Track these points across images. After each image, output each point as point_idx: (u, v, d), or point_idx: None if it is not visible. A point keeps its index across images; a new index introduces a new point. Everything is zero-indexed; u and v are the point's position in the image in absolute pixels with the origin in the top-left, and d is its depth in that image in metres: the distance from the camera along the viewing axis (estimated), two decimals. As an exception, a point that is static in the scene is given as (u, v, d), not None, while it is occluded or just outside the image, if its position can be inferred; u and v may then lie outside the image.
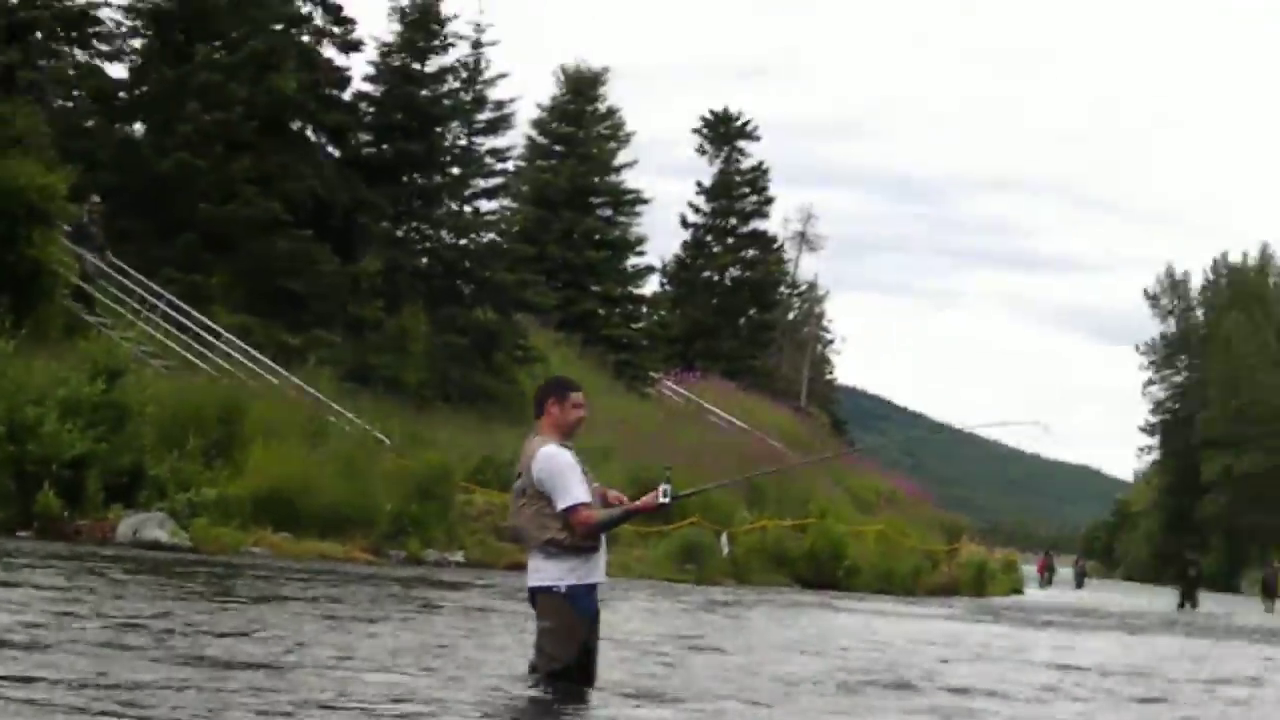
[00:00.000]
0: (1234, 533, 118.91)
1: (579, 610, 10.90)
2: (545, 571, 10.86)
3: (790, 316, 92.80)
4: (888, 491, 59.86)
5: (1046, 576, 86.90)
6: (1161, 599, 64.24)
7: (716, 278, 75.27)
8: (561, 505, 10.70)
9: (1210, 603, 64.80)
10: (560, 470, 10.76)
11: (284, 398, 32.92)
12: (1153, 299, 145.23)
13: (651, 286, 67.74)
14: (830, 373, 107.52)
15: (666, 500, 11.05)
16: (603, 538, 11.07)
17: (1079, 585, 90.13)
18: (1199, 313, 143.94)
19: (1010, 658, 20.09)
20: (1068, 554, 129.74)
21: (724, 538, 37.27)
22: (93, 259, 34.96)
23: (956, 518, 67.86)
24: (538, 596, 10.95)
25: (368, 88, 45.24)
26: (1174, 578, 63.52)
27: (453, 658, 13.24)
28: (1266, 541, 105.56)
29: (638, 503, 11.16)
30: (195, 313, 35.36)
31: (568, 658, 10.92)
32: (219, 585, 18.89)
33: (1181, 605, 56.20)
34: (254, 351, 35.16)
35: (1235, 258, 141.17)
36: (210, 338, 35.10)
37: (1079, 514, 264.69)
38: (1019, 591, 58.95)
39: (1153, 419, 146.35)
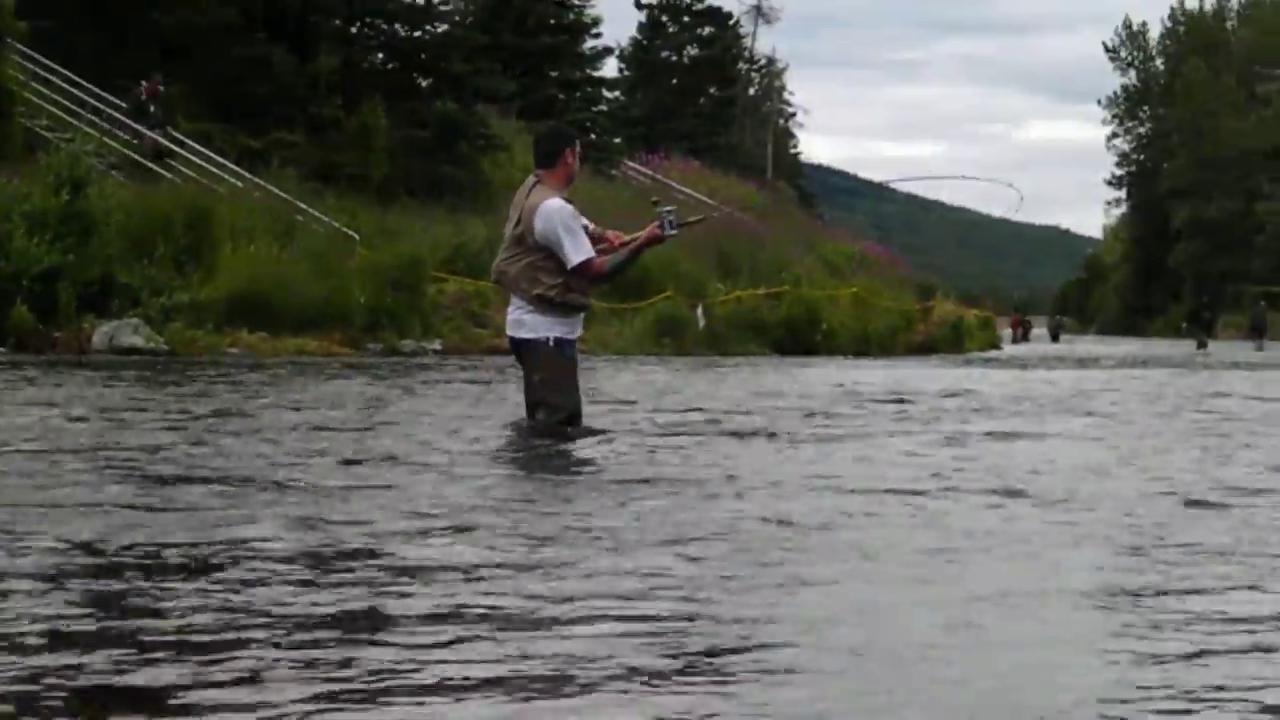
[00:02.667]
0: (1205, 279, 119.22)
1: (569, 358, 10.91)
2: (531, 325, 10.79)
3: (751, 92, 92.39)
4: (859, 255, 59.95)
5: (1021, 333, 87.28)
6: (1157, 347, 64.88)
7: (674, 58, 74.90)
8: (574, 261, 10.59)
9: (1188, 346, 65.44)
10: (569, 226, 10.62)
11: (250, 200, 32.86)
12: (1112, 52, 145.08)
13: (609, 71, 67.31)
14: (795, 147, 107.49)
15: (672, 231, 10.86)
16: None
17: (1055, 340, 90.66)
18: (1159, 63, 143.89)
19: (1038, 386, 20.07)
20: (1039, 315, 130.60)
21: (699, 309, 37.42)
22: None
23: (928, 278, 68.16)
24: (525, 349, 10.90)
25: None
26: (1190, 324, 63.63)
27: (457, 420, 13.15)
28: (1238, 285, 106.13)
29: (641, 236, 10.98)
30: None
31: (572, 404, 10.96)
32: (207, 377, 18.90)
33: (1200, 347, 56.20)
34: (216, 157, 35.04)
35: (1192, 4, 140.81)
36: (172, 146, 34.96)
37: (1050, 276, 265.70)
38: (996, 347, 59.27)
39: (1119, 172, 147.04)
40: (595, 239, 10.98)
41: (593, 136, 53.02)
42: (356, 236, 33.18)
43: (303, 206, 33.84)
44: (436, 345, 30.84)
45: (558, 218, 10.60)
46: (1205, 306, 61.16)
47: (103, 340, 25.61)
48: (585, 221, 10.99)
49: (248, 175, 34.62)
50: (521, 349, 10.95)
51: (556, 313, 10.76)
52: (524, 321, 10.84)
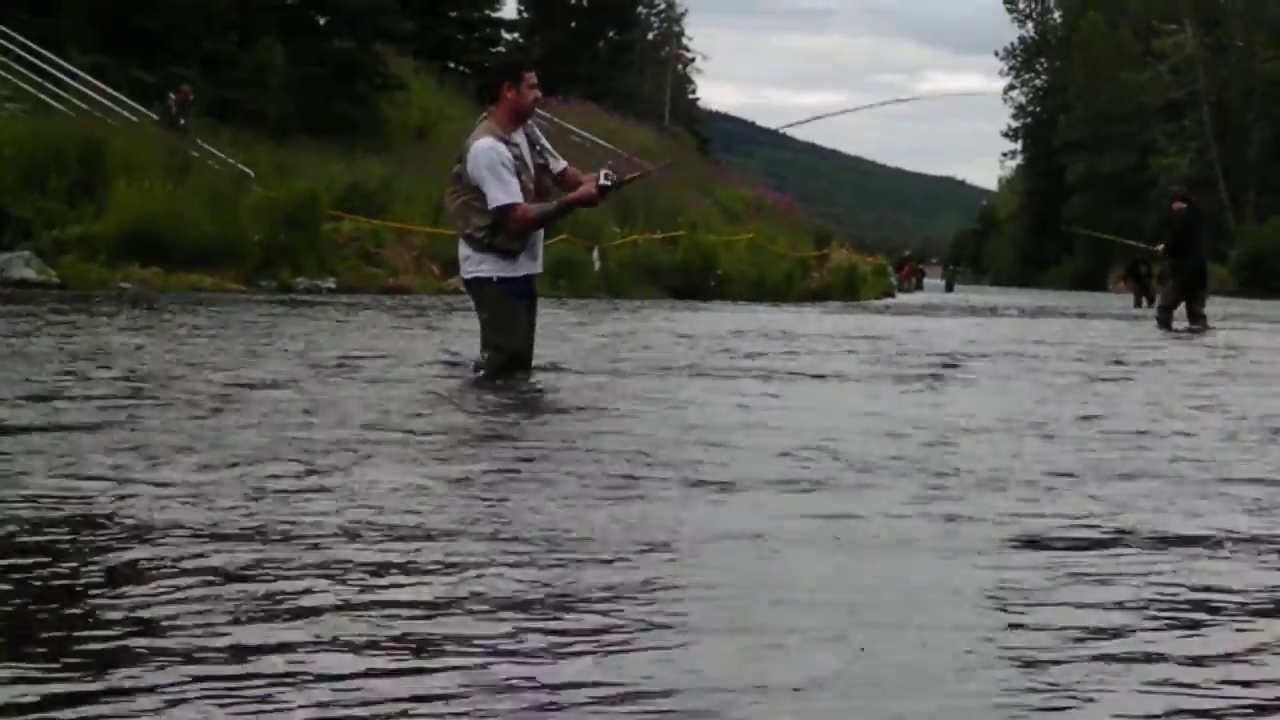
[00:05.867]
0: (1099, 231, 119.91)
1: (515, 296, 10.82)
2: (474, 263, 10.76)
3: (650, 37, 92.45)
4: (755, 201, 60.13)
5: (914, 281, 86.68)
6: (1089, 301, 64.66)
7: (574, 0, 74.73)
8: (496, 203, 10.48)
9: (1084, 299, 65.83)
10: (494, 168, 10.47)
11: (144, 135, 32.57)
12: (1010, 4, 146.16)
13: (509, 12, 67.21)
14: (693, 93, 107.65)
15: (609, 184, 10.56)
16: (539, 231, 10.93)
17: (949, 289, 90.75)
18: (1056, 16, 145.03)
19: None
20: (930, 265, 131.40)
21: (595, 253, 37.42)
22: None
23: (825, 225, 68.49)
24: (471, 288, 10.94)
25: None
26: (1130, 278, 61.72)
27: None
28: (1132, 239, 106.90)
29: (574, 194, 10.72)
30: (48, 54, 34.74)
31: (512, 346, 10.88)
32: (108, 309, 18.72)
33: (1138, 304, 53.95)
34: (110, 90, 34.70)
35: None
36: (65, 78, 34.54)
37: (944, 225, 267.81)
38: (890, 295, 59.51)
39: (1015, 124, 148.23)
40: (567, 179, 10.89)
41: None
42: (252, 174, 33.00)
43: (198, 142, 33.62)
44: (331, 283, 30.70)
45: (484, 159, 10.52)
46: (1142, 261, 59.58)
47: (-8, 272, 25.40)
48: (556, 160, 10.90)
49: (141, 109, 34.36)
50: (470, 288, 10.99)
51: (493, 251, 10.69)
52: (469, 259, 10.83)
